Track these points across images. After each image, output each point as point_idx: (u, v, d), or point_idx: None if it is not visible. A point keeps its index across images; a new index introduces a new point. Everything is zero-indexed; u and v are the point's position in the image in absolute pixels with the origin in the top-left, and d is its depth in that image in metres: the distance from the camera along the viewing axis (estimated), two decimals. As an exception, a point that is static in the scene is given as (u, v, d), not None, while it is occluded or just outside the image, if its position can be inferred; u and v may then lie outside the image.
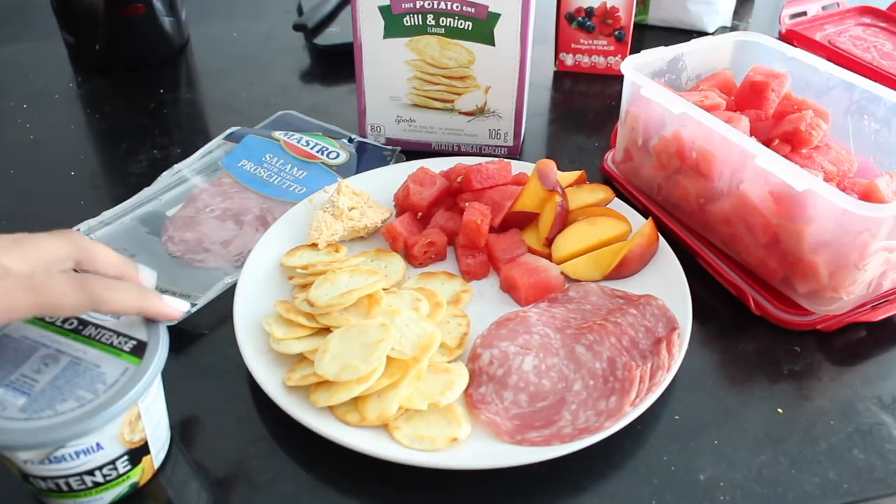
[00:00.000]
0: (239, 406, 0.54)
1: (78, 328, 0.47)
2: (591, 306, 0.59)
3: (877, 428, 0.53)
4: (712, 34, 1.02)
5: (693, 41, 0.74)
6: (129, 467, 0.47)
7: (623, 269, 0.62)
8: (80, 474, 0.44)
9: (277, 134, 0.77)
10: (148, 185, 0.72)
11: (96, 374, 0.44)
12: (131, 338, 0.47)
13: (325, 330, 0.54)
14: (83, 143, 0.83)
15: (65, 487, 0.45)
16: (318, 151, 0.75)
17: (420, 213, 0.66)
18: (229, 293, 0.59)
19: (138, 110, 0.88)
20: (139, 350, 0.46)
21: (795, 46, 0.72)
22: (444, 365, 0.53)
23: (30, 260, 0.43)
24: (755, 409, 0.54)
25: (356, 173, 0.73)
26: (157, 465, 0.49)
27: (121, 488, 0.47)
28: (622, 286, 0.61)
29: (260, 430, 0.52)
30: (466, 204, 0.65)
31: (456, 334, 0.56)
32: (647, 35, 1.05)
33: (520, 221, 0.66)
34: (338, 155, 0.75)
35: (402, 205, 0.67)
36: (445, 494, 0.49)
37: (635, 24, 0.94)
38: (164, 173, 0.74)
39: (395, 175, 0.70)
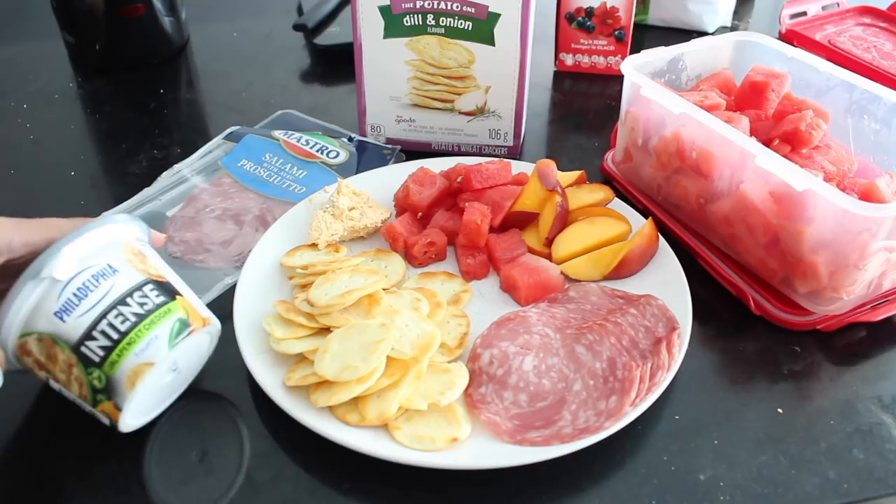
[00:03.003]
0: (239, 406, 0.54)
1: None
2: (591, 306, 0.59)
3: (877, 428, 0.53)
4: (712, 34, 1.02)
5: (693, 41, 0.74)
6: (161, 297, 0.48)
7: (623, 269, 0.62)
8: (115, 305, 0.46)
9: (277, 133, 0.77)
10: (148, 185, 0.72)
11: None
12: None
13: (325, 330, 0.54)
14: (83, 143, 0.83)
15: (113, 334, 0.46)
16: (317, 151, 0.75)
17: (420, 213, 0.66)
18: (229, 293, 0.59)
19: (138, 110, 0.88)
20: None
21: (795, 46, 0.72)
22: (444, 365, 0.53)
23: None
24: (755, 409, 0.54)
25: (356, 172, 0.73)
26: (205, 316, 0.51)
27: (170, 322, 0.48)
28: (622, 286, 0.61)
29: (260, 430, 0.52)
30: (466, 204, 0.65)
31: (456, 334, 0.57)
32: (647, 35, 1.05)
33: (520, 221, 0.66)
34: (338, 154, 0.75)
35: (402, 205, 0.67)
36: (445, 494, 0.49)
37: (635, 24, 0.94)
38: (164, 173, 0.74)
39: (395, 175, 0.70)
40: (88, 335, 0.46)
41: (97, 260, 0.47)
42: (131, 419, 0.49)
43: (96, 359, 0.46)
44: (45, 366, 0.47)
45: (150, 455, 0.50)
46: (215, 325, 0.52)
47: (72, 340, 0.46)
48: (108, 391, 0.47)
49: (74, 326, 0.46)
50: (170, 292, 0.50)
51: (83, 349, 0.46)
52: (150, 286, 0.49)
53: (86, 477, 0.49)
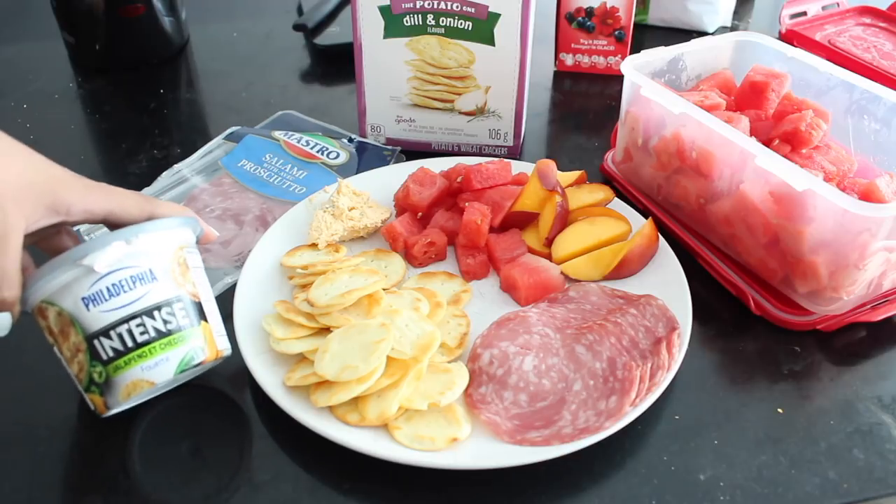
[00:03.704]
0: (239, 406, 0.54)
1: None
2: (591, 306, 0.59)
3: (877, 428, 0.53)
4: (712, 34, 1.02)
5: (693, 41, 0.74)
6: (187, 319, 0.48)
7: (623, 269, 0.62)
8: (141, 314, 0.46)
9: (277, 134, 0.77)
10: (148, 185, 0.72)
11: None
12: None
13: (325, 330, 0.54)
14: (83, 143, 0.83)
15: (129, 341, 0.46)
16: (318, 151, 0.75)
17: (420, 213, 0.66)
18: (229, 293, 0.59)
19: (138, 110, 0.88)
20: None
21: (795, 46, 0.72)
22: (444, 365, 0.53)
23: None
24: (755, 409, 0.54)
25: (356, 173, 0.73)
26: (220, 347, 0.50)
27: (185, 348, 0.48)
28: (622, 286, 0.61)
29: (260, 430, 0.52)
30: (466, 204, 0.65)
31: (456, 334, 0.56)
32: (647, 35, 1.05)
33: (520, 221, 0.66)
34: (338, 155, 0.75)
35: (402, 205, 0.67)
36: (445, 494, 0.49)
37: (635, 24, 0.94)
38: (164, 173, 0.74)
39: (395, 175, 0.70)
40: (105, 332, 0.46)
41: (141, 262, 0.47)
42: (115, 412, 0.49)
43: (104, 357, 0.46)
44: (55, 336, 0.47)
45: (150, 455, 0.50)
46: (226, 354, 0.52)
47: (88, 329, 0.46)
48: (104, 388, 0.47)
49: (96, 318, 0.46)
50: (197, 315, 0.49)
51: (96, 343, 0.46)
52: (181, 304, 0.48)
53: (81, 475, 0.49)
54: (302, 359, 0.53)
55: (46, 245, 0.51)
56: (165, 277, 0.48)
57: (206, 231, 0.54)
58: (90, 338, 0.46)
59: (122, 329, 0.46)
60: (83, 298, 0.46)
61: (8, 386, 0.55)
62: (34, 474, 0.49)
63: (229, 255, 0.65)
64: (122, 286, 0.46)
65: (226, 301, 0.59)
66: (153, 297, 0.47)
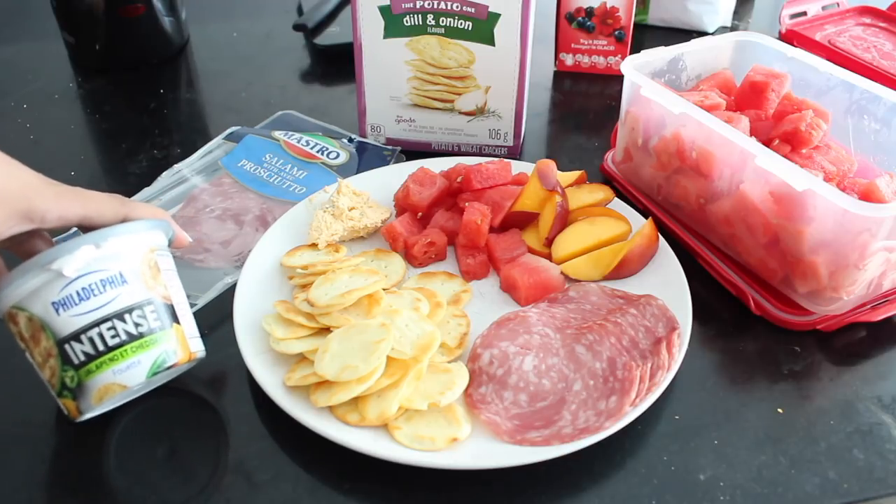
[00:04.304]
0: (239, 406, 0.54)
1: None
2: (591, 306, 0.59)
3: (877, 428, 0.53)
4: (712, 34, 1.02)
5: (693, 41, 0.74)
6: (158, 322, 0.48)
7: (623, 269, 0.62)
8: (111, 317, 0.46)
9: (277, 134, 0.77)
10: (148, 185, 0.72)
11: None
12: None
13: (325, 330, 0.54)
14: (83, 143, 0.83)
15: (100, 344, 0.46)
16: (318, 151, 0.75)
17: (420, 213, 0.66)
18: (229, 293, 0.59)
19: (138, 110, 0.88)
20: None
21: (795, 46, 0.72)
22: (444, 365, 0.53)
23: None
24: (755, 409, 0.54)
25: (356, 173, 0.73)
26: (193, 349, 0.50)
27: (157, 351, 0.47)
28: (622, 286, 0.61)
29: (260, 430, 0.52)
30: (466, 204, 0.65)
31: (456, 334, 0.56)
32: (647, 35, 1.05)
33: (520, 221, 0.66)
34: (338, 155, 0.75)
35: (402, 205, 0.67)
36: (445, 494, 0.49)
37: (635, 24, 0.94)
38: (164, 173, 0.74)
39: (395, 175, 0.70)
40: (76, 336, 0.46)
41: (110, 265, 0.47)
42: (88, 417, 0.49)
43: (76, 361, 0.46)
44: (26, 341, 0.47)
45: (150, 455, 0.50)
46: (200, 356, 0.52)
47: (59, 334, 0.46)
48: (76, 393, 0.47)
49: (66, 323, 0.46)
50: (169, 317, 0.49)
51: (66, 347, 0.46)
52: (152, 307, 0.48)
53: (81, 475, 0.49)
54: (302, 359, 0.53)
55: (20, 249, 0.50)
56: (136, 280, 0.48)
57: (177, 234, 0.54)
58: (61, 342, 0.46)
59: (93, 333, 0.46)
60: (53, 303, 0.45)
61: (8, 386, 0.55)
62: (32, 474, 0.49)
63: (229, 255, 0.65)
64: (92, 290, 0.46)
65: (226, 301, 0.59)
66: (123, 301, 0.47)
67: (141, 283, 0.48)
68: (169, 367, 0.49)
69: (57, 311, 0.46)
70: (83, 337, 0.46)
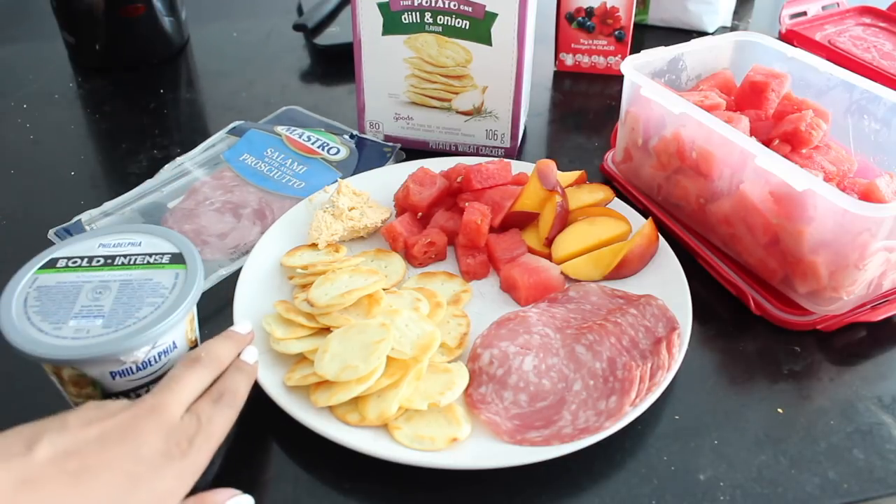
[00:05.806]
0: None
1: (107, 262, 0.49)
2: (591, 306, 0.59)
3: (877, 428, 0.53)
4: (712, 34, 1.02)
5: (693, 41, 0.74)
6: None
7: (623, 269, 0.62)
8: (160, 378, 0.46)
9: (280, 129, 0.77)
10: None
11: (152, 285, 0.48)
12: (164, 253, 0.50)
13: (325, 330, 0.54)
14: (83, 143, 0.83)
15: (142, 393, 0.47)
16: (318, 147, 0.76)
17: (420, 213, 0.66)
18: (224, 285, 0.59)
19: (138, 110, 0.88)
20: (178, 259, 0.49)
21: (795, 46, 0.72)
22: (444, 365, 0.53)
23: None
24: (755, 409, 0.54)
25: (356, 169, 0.73)
26: None
27: None
28: (622, 286, 0.61)
29: (260, 430, 0.52)
30: (466, 204, 0.65)
31: (456, 334, 0.56)
32: (647, 35, 1.05)
33: (520, 221, 0.66)
34: (338, 151, 0.76)
35: (402, 205, 0.67)
36: (445, 494, 0.49)
37: (635, 24, 0.94)
38: (167, 166, 0.74)
39: (395, 175, 0.70)
40: (126, 393, 0.47)
41: (167, 339, 0.47)
42: None
43: None
44: (65, 384, 0.47)
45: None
46: None
47: (108, 391, 0.47)
48: None
49: (119, 385, 0.47)
50: None
51: (112, 397, 0.47)
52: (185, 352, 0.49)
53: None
54: (302, 359, 0.53)
55: None
56: (182, 341, 0.49)
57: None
58: (109, 394, 0.47)
59: (142, 390, 0.47)
60: (112, 373, 0.46)
61: (8, 386, 0.55)
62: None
63: (225, 247, 0.65)
64: (149, 362, 0.47)
65: (220, 294, 0.59)
66: (172, 361, 0.48)
67: (185, 341, 0.49)
68: None
69: (113, 377, 0.46)
70: (132, 393, 0.47)
